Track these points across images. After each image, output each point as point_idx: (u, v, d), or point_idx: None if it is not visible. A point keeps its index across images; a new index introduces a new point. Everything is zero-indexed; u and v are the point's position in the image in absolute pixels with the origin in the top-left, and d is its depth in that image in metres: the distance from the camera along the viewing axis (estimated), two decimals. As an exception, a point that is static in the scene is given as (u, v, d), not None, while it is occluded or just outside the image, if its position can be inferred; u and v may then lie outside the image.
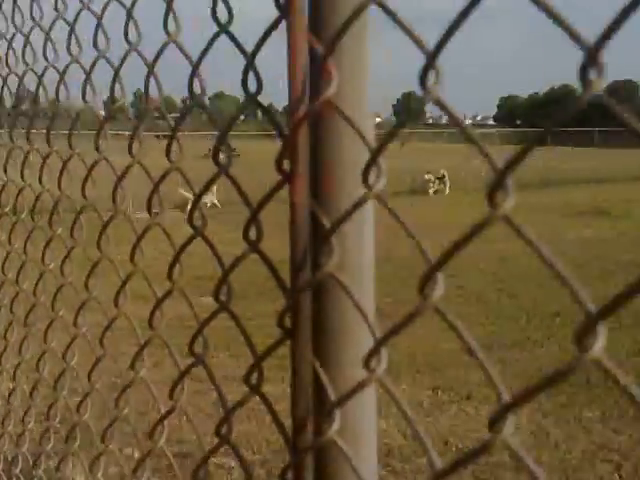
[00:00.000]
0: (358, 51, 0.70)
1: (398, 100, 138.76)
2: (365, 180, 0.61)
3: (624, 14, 0.44)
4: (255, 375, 0.86)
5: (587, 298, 0.48)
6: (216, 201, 19.07)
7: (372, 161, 0.61)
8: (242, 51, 0.81)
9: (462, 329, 0.55)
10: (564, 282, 0.47)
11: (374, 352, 0.63)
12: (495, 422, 0.52)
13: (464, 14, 0.49)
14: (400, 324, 0.58)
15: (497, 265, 10.66)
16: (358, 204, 0.62)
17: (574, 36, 0.47)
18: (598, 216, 16.49)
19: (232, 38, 0.85)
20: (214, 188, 19.45)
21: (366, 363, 0.63)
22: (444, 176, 21.52)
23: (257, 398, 0.91)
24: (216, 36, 0.88)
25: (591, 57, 0.45)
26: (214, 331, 1.07)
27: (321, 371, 0.74)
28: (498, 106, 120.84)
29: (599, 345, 0.45)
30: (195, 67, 0.92)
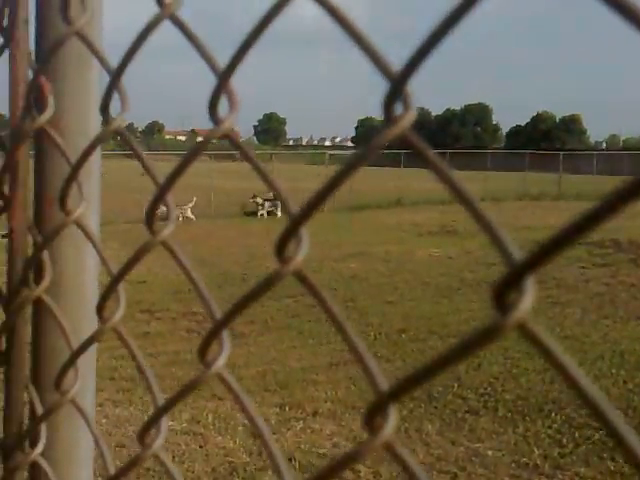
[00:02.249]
0: (82, 82, 0.72)
1: (259, 121, 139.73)
2: (63, 206, 0.63)
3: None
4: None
5: (217, 310, 0.49)
6: (190, 215, 18.76)
7: (67, 186, 0.62)
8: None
9: (132, 345, 0.58)
10: (205, 307, 0.50)
11: (64, 372, 0.65)
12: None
13: (133, 49, 0.51)
14: (81, 347, 0.60)
15: (348, 283, 10.96)
16: (56, 230, 0.64)
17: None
18: (446, 235, 17.36)
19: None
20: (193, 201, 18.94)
21: (57, 384, 0.65)
22: (275, 198, 21.39)
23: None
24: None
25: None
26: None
27: (35, 395, 0.75)
28: (356, 128, 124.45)
29: (223, 360, 0.47)
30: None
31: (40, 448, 0.70)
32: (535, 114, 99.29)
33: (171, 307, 9.42)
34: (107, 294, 0.58)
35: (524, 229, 17.53)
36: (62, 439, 0.75)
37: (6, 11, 0.70)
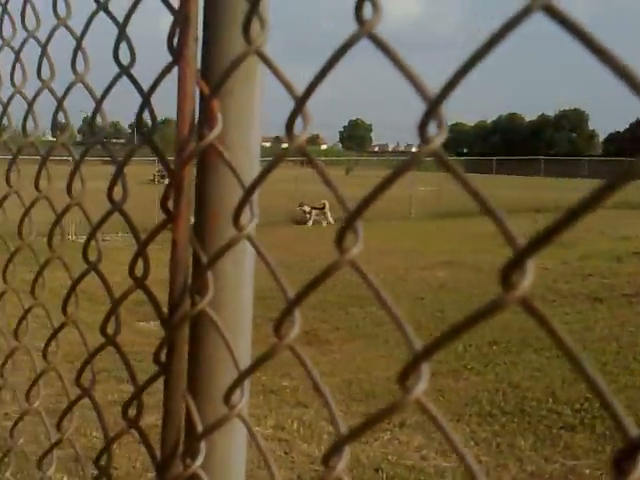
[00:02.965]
0: (246, 98, 0.73)
1: (344, 127, 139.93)
2: (236, 221, 0.64)
3: (464, 70, 0.42)
4: (134, 408, 0.87)
5: (415, 338, 0.49)
6: None
7: (243, 203, 0.63)
8: (140, 92, 0.84)
9: (309, 364, 0.57)
10: (400, 330, 0.49)
11: (233, 389, 0.65)
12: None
13: (326, 69, 0.50)
14: (257, 362, 0.60)
15: (436, 293, 10.78)
16: (229, 245, 0.65)
17: (418, 87, 0.45)
18: (540, 245, 16.76)
19: (133, 81, 0.87)
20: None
21: (226, 399, 0.65)
22: (324, 206, 20.61)
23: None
24: (117, 77, 0.90)
25: (431, 109, 0.43)
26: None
27: (192, 405, 0.76)
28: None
29: (422, 387, 0.46)
30: (98, 104, 0.95)
31: (200, 460, 0.71)
32: (635, 120, 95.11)
33: (256, 312, 9.52)
34: (286, 314, 0.58)
35: (623, 239, 16.78)
36: (219, 451, 0.76)
37: (176, 31, 0.73)
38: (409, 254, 14.63)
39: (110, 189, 0.89)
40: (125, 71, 0.87)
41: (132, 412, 0.87)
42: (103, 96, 0.95)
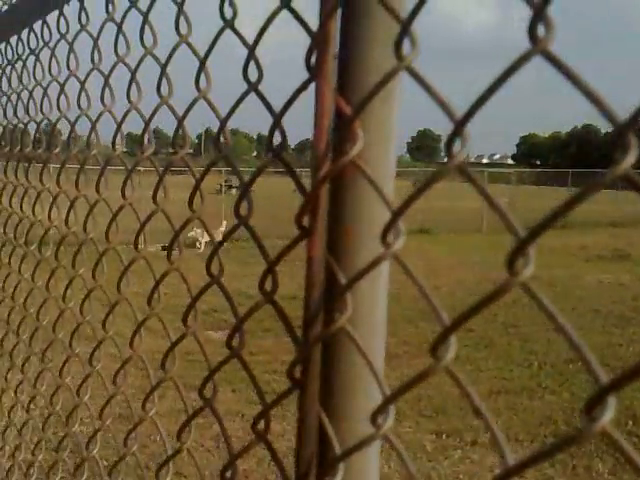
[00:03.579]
0: (385, 113, 0.73)
1: (412, 138, 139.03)
2: (384, 240, 0.64)
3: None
4: (263, 422, 0.88)
5: (600, 370, 0.47)
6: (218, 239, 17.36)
7: (392, 222, 0.63)
8: (270, 111, 0.85)
9: (467, 385, 0.56)
10: (583, 362, 0.48)
11: (382, 409, 0.65)
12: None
13: (497, 84, 0.50)
14: (410, 383, 0.60)
15: (509, 309, 10.55)
16: (375, 263, 0.64)
17: (598, 105, 0.46)
18: (618, 260, 16.22)
19: (261, 98, 0.89)
20: (223, 225, 16.97)
21: (373, 419, 0.65)
22: None
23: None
24: (246, 94, 0.92)
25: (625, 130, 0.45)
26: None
27: (327, 423, 0.76)
28: (517, 145, 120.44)
29: (608, 416, 0.45)
30: (223, 122, 0.97)
31: (339, 479, 0.71)
32: None
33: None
34: (442, 339, 0.58)
35: None
36: (355, 468, 0.76)
37: (314, 50, 0.73)
38: (481, 268, 14.36)
39: (237, 204, 0.91)
40: (253, 87, 0.89)
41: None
42: (229, 114, 0.97)
